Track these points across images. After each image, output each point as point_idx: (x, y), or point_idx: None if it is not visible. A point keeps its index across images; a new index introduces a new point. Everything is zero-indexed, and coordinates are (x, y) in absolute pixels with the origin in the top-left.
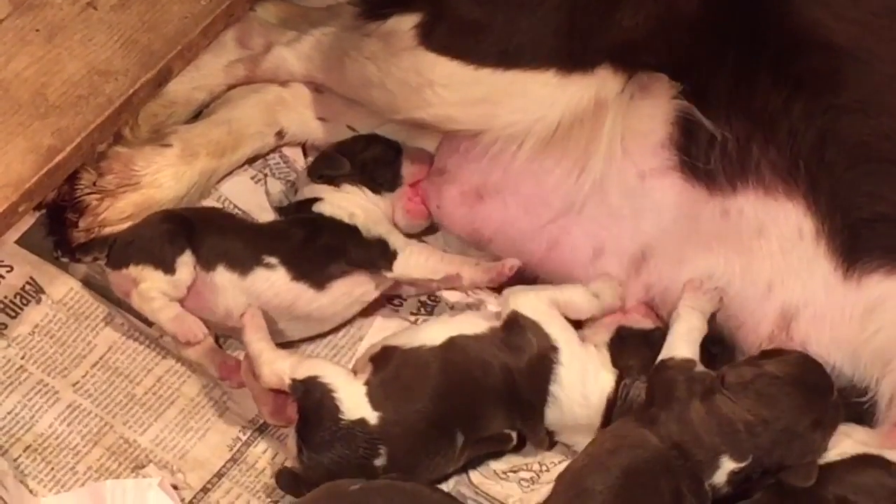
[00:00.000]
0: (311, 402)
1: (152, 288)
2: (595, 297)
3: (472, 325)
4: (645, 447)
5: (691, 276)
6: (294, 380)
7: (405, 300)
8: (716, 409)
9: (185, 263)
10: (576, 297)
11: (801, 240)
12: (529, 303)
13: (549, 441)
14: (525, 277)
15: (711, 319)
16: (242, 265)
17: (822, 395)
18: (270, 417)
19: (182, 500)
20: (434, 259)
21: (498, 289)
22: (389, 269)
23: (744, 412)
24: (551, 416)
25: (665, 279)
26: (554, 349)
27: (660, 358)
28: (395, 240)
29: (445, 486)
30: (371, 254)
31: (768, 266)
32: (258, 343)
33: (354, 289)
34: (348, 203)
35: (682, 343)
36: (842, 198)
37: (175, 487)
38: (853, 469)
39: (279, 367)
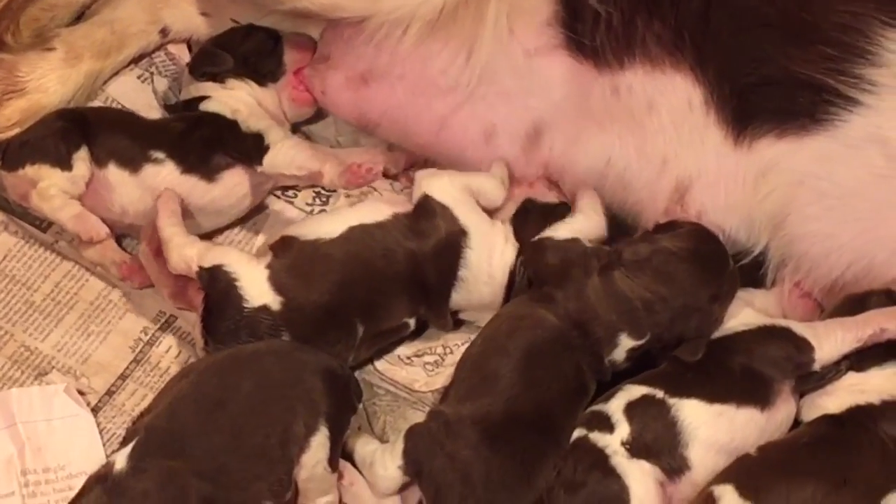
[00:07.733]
0: (215, 291)
1: (51, 186)
2: (502, 184)
3: (374, 212)
4: (544, 327)
5: (588, 157)
6: (201, 267)
7: (300, 191)
8: (613, 286)
9: (82, 159)
10: (487, 184)
11: (691, 111)
12: (441, 186)
13: (453, 322)
14: (417, 164)
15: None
16: (132, 161)
17: (718, 267)
18: (171, 299)
19: (88, 404)
20: (302, 156)
21: (393, 177)
22: (260, 162)
23: (641, 289)
24: (457, 297)
25: (562, 159)
26: (463, 233)
27: (539, 236)
28: (273, 135)
29: None
30: (246, 146)
31: (661, 141)
32: (170, 228)
33: (246, 180)
34: (233, 100)
35: (565, 229)
36: (728, 65)
37: (80, 392)
38: (760, 340)
39: (187, 254)
